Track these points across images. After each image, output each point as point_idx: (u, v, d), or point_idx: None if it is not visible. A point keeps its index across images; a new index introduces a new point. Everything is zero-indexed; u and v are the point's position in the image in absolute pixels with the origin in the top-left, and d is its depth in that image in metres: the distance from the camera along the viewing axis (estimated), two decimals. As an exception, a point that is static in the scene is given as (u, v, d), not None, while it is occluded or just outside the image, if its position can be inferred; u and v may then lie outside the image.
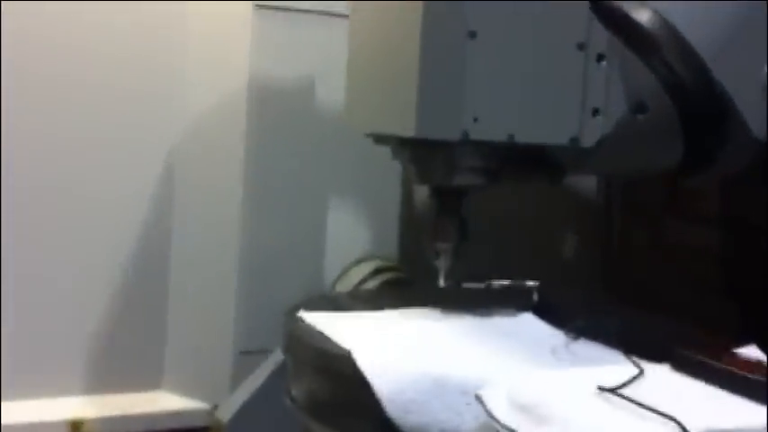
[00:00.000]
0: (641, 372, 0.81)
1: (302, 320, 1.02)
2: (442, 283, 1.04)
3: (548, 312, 1.05)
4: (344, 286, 1.42)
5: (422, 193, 1.05)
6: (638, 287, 1.34)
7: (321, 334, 0.96)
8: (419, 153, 0.99)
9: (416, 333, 0.97)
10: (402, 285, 1.44)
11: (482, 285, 1.10)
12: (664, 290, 1.30)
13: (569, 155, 0.97)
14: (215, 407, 1.38)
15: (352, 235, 1.49)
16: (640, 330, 0.96)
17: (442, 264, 1.04)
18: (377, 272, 1.44)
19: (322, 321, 1.00)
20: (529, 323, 1.03)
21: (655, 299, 1.24)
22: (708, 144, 0.94)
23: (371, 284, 1.41)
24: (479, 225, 1.04)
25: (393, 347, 0.91)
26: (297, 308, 1.05)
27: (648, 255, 1.42)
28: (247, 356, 1.39)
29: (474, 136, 0.90)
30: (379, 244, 1.50)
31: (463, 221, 1.03)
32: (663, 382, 0.81)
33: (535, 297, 1.10)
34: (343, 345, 0.92)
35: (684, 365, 0.82)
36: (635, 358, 0.85)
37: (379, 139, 1.05)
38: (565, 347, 0.95)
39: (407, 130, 0.91)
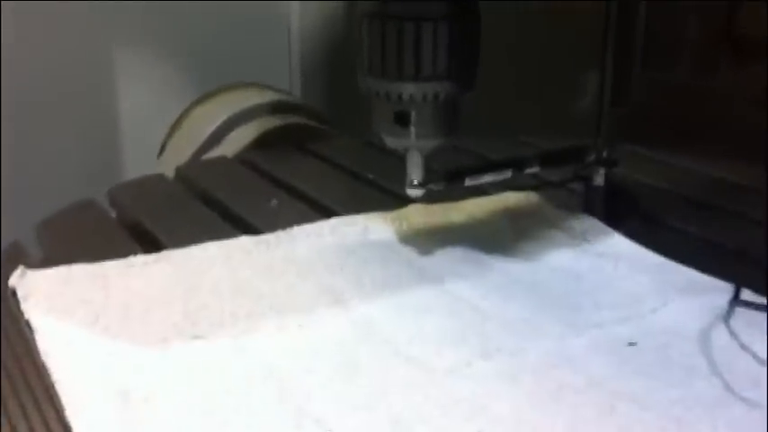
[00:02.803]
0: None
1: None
2: (414, 188, 0.43)
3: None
4: (182, 142, 0.74)
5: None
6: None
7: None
8: None
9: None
10: (315, 141, 0.69)
11: (508, 174, 0.48)
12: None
13: None
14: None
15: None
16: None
17: (413, 141, 0.42)
18: (273, 110, 0.73)
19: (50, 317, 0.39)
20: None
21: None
22: None
23: (244, 135, 0.74)
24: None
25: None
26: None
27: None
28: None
29: None
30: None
31: (466, 36, 0.41)
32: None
33: (599, 179, 0.53)
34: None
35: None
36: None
37: None
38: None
39: None
